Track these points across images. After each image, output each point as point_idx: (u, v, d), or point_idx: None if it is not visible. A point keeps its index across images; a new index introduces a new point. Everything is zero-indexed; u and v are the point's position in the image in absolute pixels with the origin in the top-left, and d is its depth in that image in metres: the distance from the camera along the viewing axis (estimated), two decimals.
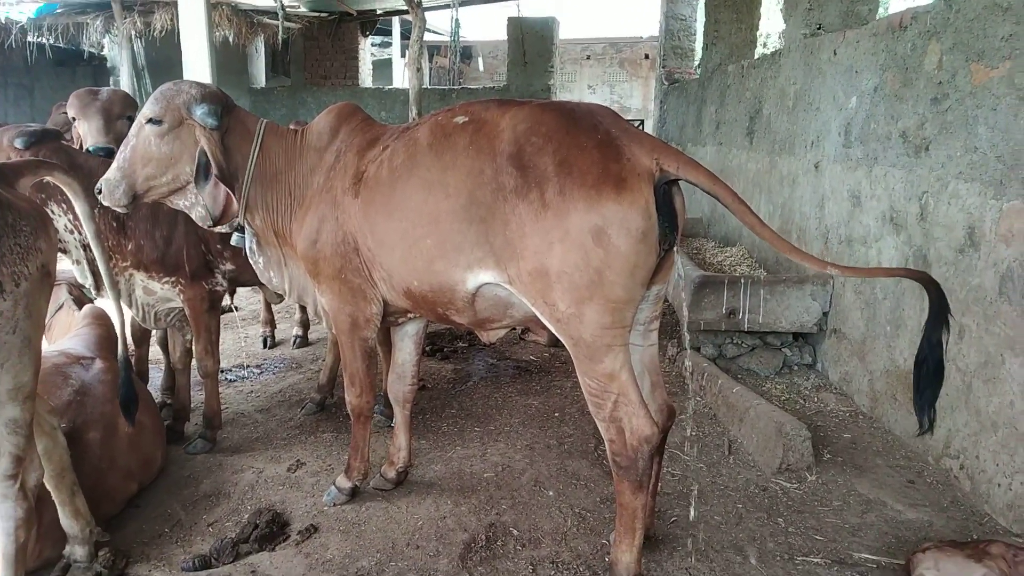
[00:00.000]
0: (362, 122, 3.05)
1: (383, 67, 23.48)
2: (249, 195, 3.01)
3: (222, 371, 4.84)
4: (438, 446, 3.87)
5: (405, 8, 12.74)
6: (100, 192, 2.93)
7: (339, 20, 16.55)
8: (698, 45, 11.42)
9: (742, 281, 4.69)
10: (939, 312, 2.19)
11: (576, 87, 25.70)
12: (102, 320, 3.79)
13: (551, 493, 3.36)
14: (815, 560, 2.85)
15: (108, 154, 3.64)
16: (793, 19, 5.85)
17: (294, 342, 5.68)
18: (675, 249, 2.41)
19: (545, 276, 2.33)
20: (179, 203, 3.06)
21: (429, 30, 19.89)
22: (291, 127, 3.25)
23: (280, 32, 13.04)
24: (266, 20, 13.65)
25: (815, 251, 4.91)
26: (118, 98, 4.04)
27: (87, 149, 3.79)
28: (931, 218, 3.65)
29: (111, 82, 13.31)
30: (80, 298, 4.21)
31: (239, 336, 5.96)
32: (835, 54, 4.84)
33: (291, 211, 3.06)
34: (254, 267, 3.28)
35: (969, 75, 3.37)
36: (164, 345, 4.32)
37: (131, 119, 3.75)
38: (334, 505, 3.26)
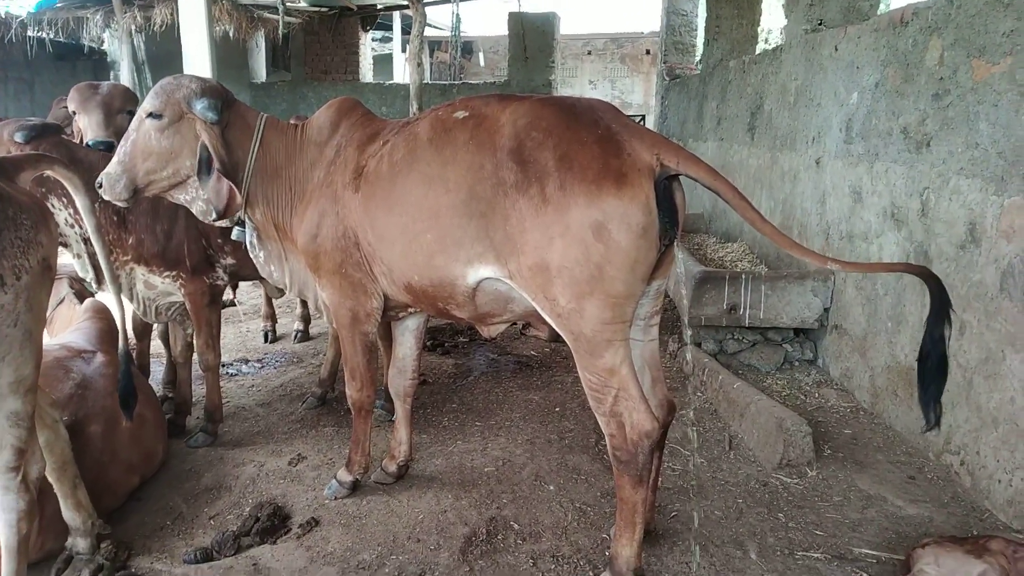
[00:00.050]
0: (362, 117, 3.05)
1: (384, 62, 23.45)
2: (249, 189, 3.02)
3: (223, 365, 4.85)
4: (439, 440, 3.87)
5: (406, 3, 12.74)
6: (101, 186, 2.93)
7: (340, 15, 16.52)
8: (699, 40, 11.40)
9: (743, 277, 4.69)
10: (941, 307, 2.18)
11: (577, 83, 25.66)
12: (103, 314, 3.79)
13: (552, 487, 3.37)
14: (815, 555, 2.86)
15: (108, 148, 3.65)
16: (794, 15, 5.84)
17: (295, 336, 5.68)
18: (675, 244, 2.41)
19: (545, 271, 2.33)
20: (180, 197, 3.06)
21: (430, 25, 19.86)
22: (291, 122, 3.25)
23: (280, 27, 13.03)
24: (266, 15, 13.63)
25: (816, 247, 4.90)
26: (118, 92, 4.04)
27: (87, 143, 3.79)
28: (932, 214, 3.65)
29: (111, 76, 13.30)
30: (81, 292, 4.21)
31: (240, 330, 5.97)
32: (836, 50, 4.84)
33: (291, 205, 3.06)
34: (255, 261, 3.28)
35: (970, 71, 3.37)
36: (166, 339, 4.33)
37: (131, 113, 3.75)
38: (335, 499, 3.26)
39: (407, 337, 3.33)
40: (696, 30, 11.83)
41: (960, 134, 3.43)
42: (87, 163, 3.30)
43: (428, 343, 5.34)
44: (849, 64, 4.63)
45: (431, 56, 25.66)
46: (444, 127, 2.63)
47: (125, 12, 11.41)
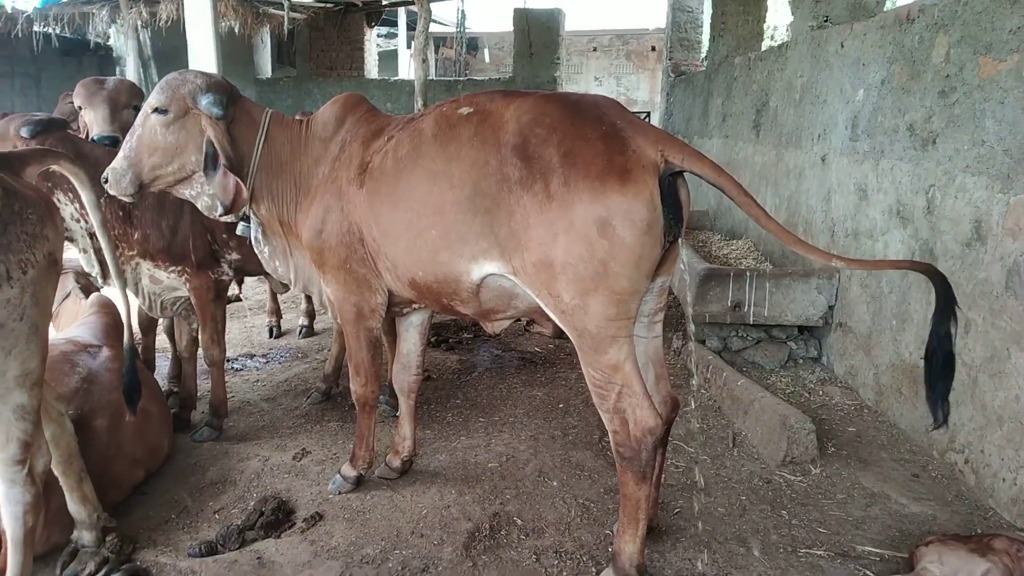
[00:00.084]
0: (367, 112, 3.05)
1: (389, 58, 23.44)
2: (254, 185, 3.02)
3: (228, 360, 4.86)
4: (443, 436, 3.88)
5: None
6: (106, 181, 2.94)
7: (345, 11, 16.52)
8: (705, 37, 11.37)
9: (748, 274, 4.68)
10: (946, 304, 2.18)
11: (582, 79, 25.63)
12: (109, 308, 3.81)
13: (555, 483, 3.37)
14: (818, 552, 2.86)
15: (113, 143, 3.66)
16: (800, 11, 5.82)
17: (300, 332, 5.70)
18: (680, 241, 2.40)
19: (550, 267, 2.33)
20: (185, 192, 3.07)
21: (435, 21, 19.88)
22: (296, 118, 3.26)
23: (286, 22, 13.03)
24: (272, 10, 13.63)
25: (821, 244, 4.89)
26: (124, 88, 4.05)
27: (92, 138, 3.80)
28: (938, 212, 3.64)
29: (117, 72, 13.33)
30: (87, 286, 4.23)
31: (245, 326, 5.98)
32: (842, 46, 4.82)
33: (296, 201, 3.06)
34: (259, 257, 3.29)
35: (977, 68, 3.35)
36: (171, 334, 4.34)
37: (137, 108, 3.77)
38: (339, 493, 3.27)
39: (411, 333, 3.34)
40: (702, 27, 11.80)
41: (966, 131, 3.42)
42: (93, 158, 3.31)
43: (432, 339, 5.35)
44: (855, 61, 4.61)
45: (436, 52, 25.64)
46: (448, 123, 2.63)
47: (131, 8, 11.43)
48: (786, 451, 3.53)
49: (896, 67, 4.08)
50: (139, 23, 11.80)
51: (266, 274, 3.72)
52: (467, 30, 23.27)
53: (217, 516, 3.14)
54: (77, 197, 3.23)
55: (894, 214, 4.05)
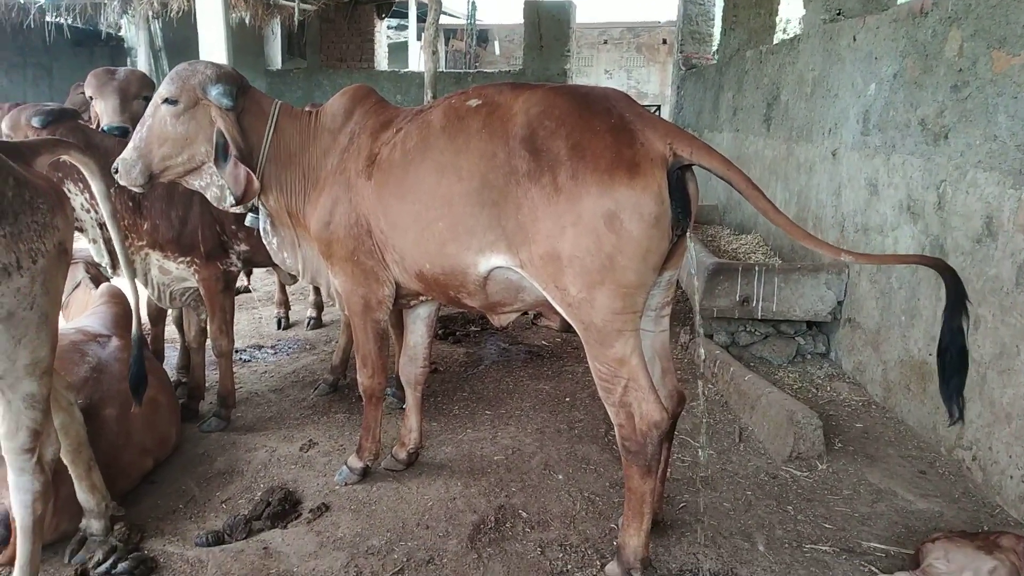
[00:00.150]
0: (376, 104, 3.05)
1: (399, 50, 23.43)
2: (263, 176, 3.02)
3: (237, 351, 4.89)
4: (449, 428, 3.89)
5: None
6: (116, 172, 2.95)
7: (355, 2, 16.51)
8: (716, 30, 11.31)
9: (756, 269, 4.67)
10: (957, 299, 2.16)
11: (593, 72, 25.54)
12: (119, 299, 3.83)
13: (560, 477, 3.38)
14: (823, 548, 2.85)
15: (123, 133, 3.67)
16: (813, 4, 5.78)
17: (308, 323, 5.71)
18: (688, 235, 2.40)
19: (557, 260, 2.33)
20: (195, 183, 3.08)
21: (445, 13, 19.84)
22: (306, 109, 3.26)
23: (296, 14, 13.02)
24: (282, 2, 13.62)
25: (831, 239, 4.87)
26: (135, 78, 4.06)
27: (102, 128, 3.81)
28: (949, 207, 3.61)
29: (128, 63, 13.38)
30: (97, 276, 4.25)
31: (254, 317, 6.00)
32: (855, 40, 4.79)
33: (305, 192, 3.07)
34: (268, 248, 3.30)
35: (990, 62, 3.32)
36: (180, 325, 4.36)
37: (147, 99, 3.76)
38: (345, 484, 3.29)
39: (418, 325, 3.34)
40: (713, 19, 11.74)
41: (978, 126, 3.39)
42: (103, 148, 3.32)
43: (440, 331, 5.36)
44: (867, 55, 4.58)
45: (446, 44, 25.60)
46: (457, 115, 2.62)
47: None
48: (793, 447, 3.52)
49: (909, 61, 4.04)
50: (150, 14, 11.81)
51: (275, 265, 3.73)
52: (477, 22, 23.26)
53: (224, 506, 3.16)
54: (87, 187, 3.25)
55: (904, 209, 4.03)
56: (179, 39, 12.12)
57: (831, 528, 3.00)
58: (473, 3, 22.08)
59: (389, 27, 20.59)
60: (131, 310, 2.93)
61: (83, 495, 2.75)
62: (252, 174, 2.90)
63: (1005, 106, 3.21)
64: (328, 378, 4.41)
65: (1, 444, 2.26)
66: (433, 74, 9.29)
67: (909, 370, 3.92)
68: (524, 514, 3.06)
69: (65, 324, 3.59)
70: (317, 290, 5.56)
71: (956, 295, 2.16)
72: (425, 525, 2.99)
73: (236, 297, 3.98)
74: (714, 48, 11.47)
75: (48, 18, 12.18)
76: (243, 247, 3.71)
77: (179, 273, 3.64)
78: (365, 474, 3.34)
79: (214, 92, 2.87)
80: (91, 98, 4.01)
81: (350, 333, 4.14)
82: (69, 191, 3.27)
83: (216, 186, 3.04)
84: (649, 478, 2.45)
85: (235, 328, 4.00)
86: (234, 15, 12.05)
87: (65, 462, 2.65)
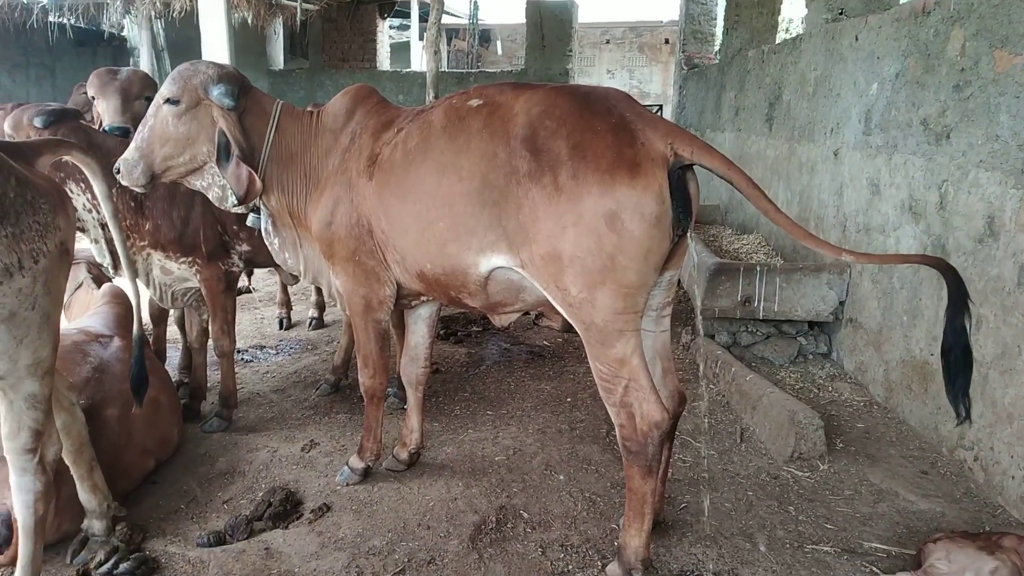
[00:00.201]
0: (377, 104, 3.05)
1: (401, 50, 23.44)
2: (265, 176, 3.03)
3: (238, 351, 4.89)
4: (450, 429, 3.89)
5: None
6: (118, 172, 2.95)
7: (357, 2, 16.52)
8: (719, 30, 11.30)
9: (758, 269, 4.66)
10: (959, 298, 2.16)
11: (595, 71, 25.54)
12: (121, 299, 3.83)
13: (562, 477, 3.38)
14: (825, 549, 2.85)
15: (124, 134, 3.68)
16: (815, 3, 5.77)
17: (310, 324, 5.72)
18: (688, 235, 2.39)
19: (558, 260, 2.33)
20: (196, 183, 3.09)
21: (447, 13, 19.85)
22: (308, 109, 3.26)
23: (299, 14, 13.03)
24: (285, 2, 13.63)
25: (833, 239, 4.86)
26: (137, 78, 4.06)
27: (104, 128, 3.82)
28: (951, 207, 3.61)
29: (131, 63, 13.37)
30: (99, 277, 4.26)
31: (256, 317, 6.01)
32: (857, 39, 4.78)
33: (306, 192, 3.07)
34: (269, 248, 3.30)
35: (992, 62, 3.32)
36: (182, 325, 4.37)
37: (149, 99, 3.77)
38: (347, 485, 3.29)
39: (420, 325, 3.34)
40: (716, 19, 11.71)
41: (980, 126, 3.39)
42: (105, 149, 3.33)
43: (441, 332, 5.36)
44: (869, 54, 4.57)
45: (448, 44, 25.61)
46: (458, 115, 2.63)
47: None
48: (794, 447, 3.52)
49: (911, 60, 4.04)
50: (153, 14, 11.82)
51: (276, 266, 3.73)
52: (479, 22, 23.25)
53: (226, 506, 3.17)
54: (89, 187, 3.25)
55: (906, 209, 4.02)
56: (182, 39, 12.14)
57: (832, 528, 2.99)
58: (475, 3, 22.08)
59: (391, 27, 20.61)
60: (133, 310, 2.93)
61: (85, 495, 2.76)
62: (254, 174, 2.90)
63: (1007, 106, 3.20)
64: (330, 378, 4.41)
65: (3, 444, 2.27)
66: (435, 74, 9.29)
67: (911, 370, 3.92)
68: (525, 514, 3.06)
69: (67, 324, 3.60)
70: (319, 290, 5.56)
71: (958, 294, 2.16)
72: (426, 525, 2.99)
73: (238, 297, 3.97)
74: (716, 48, 11.46)
75: (51, 18, 12.20)
76: (245, 247, 3.72)
77: (181, 273, 3.64)
78: (366, 474, 3.34)
79: (216, 92, 2.87)
80: (93, 98, 4.02)
81: (352, 333, 4.14)
82: (71, 191, 3.28)
83: (218, 186, 3.04)
84: (650, 478, 2.45)
85: (237, 328, 4.01)
86: (236, 15, 12.07)
87: (67, 462, 2.66)
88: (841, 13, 5.43)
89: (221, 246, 3.65)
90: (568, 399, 4.29)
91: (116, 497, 2.92)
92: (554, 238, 2.32)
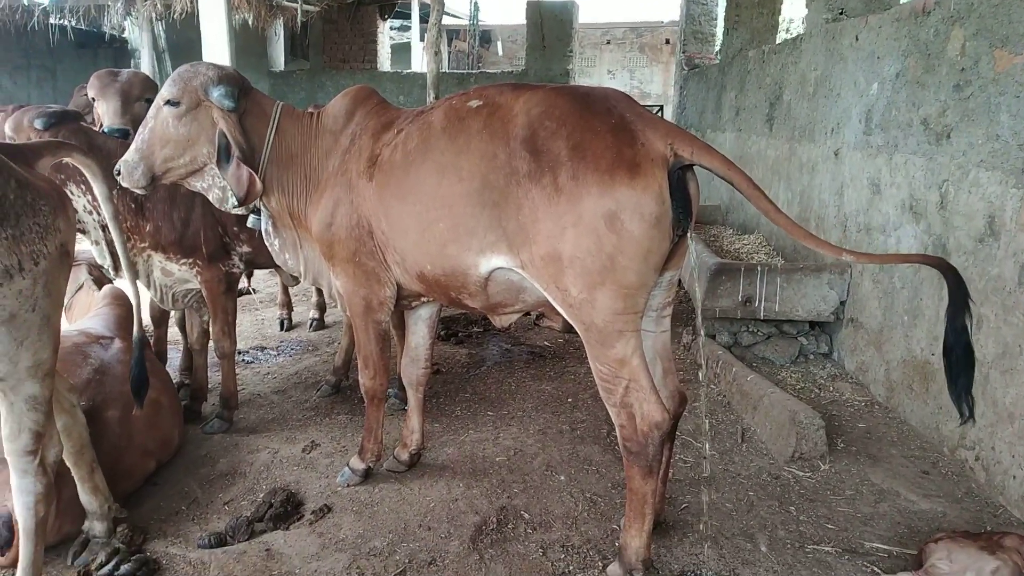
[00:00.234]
0: (377, 105, 3.05)
1: (402, 51, 23.45)
2: (265, 177, 3.03)
3: (239, 352, 4.89)
4: (451, 429, 3.89)
5: None
6: (119, 174, 2.95)
7: (358, 3, 16.52)
8: (719, 30, 11.29)
9: (759, 269, 4.66)
10: (959, 298, 2.16)
11: (596, 72, 25.53)
12: (121, 300, 3.84)
13: (562, 478, 3.38)
14: (826, 549, 2.85)
15: (123, 135, 3.68)
16: (815, 3, 5.77)
17: (311, 325, 5.72)
18: (688, 235, 2.39)
19: (558, 261, 2.33)
20: (197, 185, 3.09)
21: (448, 14, 19.86)
22: (309, 110, 3.26)
23: (299, 15, 13.03)
24: (285, 3, 13.63)
25: (834, 239, 4.86)
26: (137, 80, 4.07)
27: (103, 130, 3.82)
28: (951, 207, 3.61)
29: (132, 64, 13.39)
30: (100, 278, 4.26)
31: (256, 318, 6.01)
32: (857, 39, 4.78)
33: (307, 194, 3.07)
34: (270, 249, 3.31)
35: (992, 61, 3.32)
36: (183, 326, 4.37)
37: (149, 101, 3.77)
38: (347, 486, 3.29)
39: (420, 326, 3.34)
40: (716, 19, 11.71)
41: (980, 126, 3.39)
42: (106, 150, 3.33)
43: (442, 332, 5.36)
44: (870, 54, 4.57)
45: (449, 45, 25.62)
46: (458, 116, 2.63)
47: (145, 0, 11.47)
48: (795, 447, 3.51)
49: (911, 60, 4.04)
50: (154, 15, 11.83)
51: (277, 267, 3.74)
52: (480, 23, 23.27)
53: (227, 507, 3.17)
54: (89, 189, 3.26)
55: (907, 209, 4.02)
56: (182, 40, 12.14)
57: (834, 529, 2.99)
58: (476, 4, 22.10)
59: (392, 28, 20.62)
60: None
61: (86, 497, 2.76)
62: (254, 175, 2.90)
63: (1007, 105, 3.20)
64: (330, 379, 4.41)
65: (4, 446, 2.27)
66: (436, 75, 9.29)
67: (912, 370, 3.91)
68: (526, 515, 3.06)
69: (68, 326, 3.60)
70: (320, 291, 5.56)
71: (958, 294, 2.16)
72: (427, 526, 2.99)
73: (238, 299, 3.98)
74: (717, 48, 11.45)
75: (52, 20, 12.22)
76: (245, 249, 3.72)
77: (181, 275, 3.64)
78: (367, 475, 3.34)
79: (216, 94, 2.88)
80: (94, 100, 4.03)
81: (352, 334, 4.14)
82: (71, 193, 3.28)
83: (218, 188, 3.04)
84: (651, 479, 2.45)
85: (238, 329, 4.01)
86: (237, 16, 12.08)
87: (68, 464, 2.66)
88: (841, 13, 5.42)
89: (222, 247, 3.66)
90: (569, 400, 4.29)
91: (117, 499, 2.92)
92: (554, 239, 2.32)
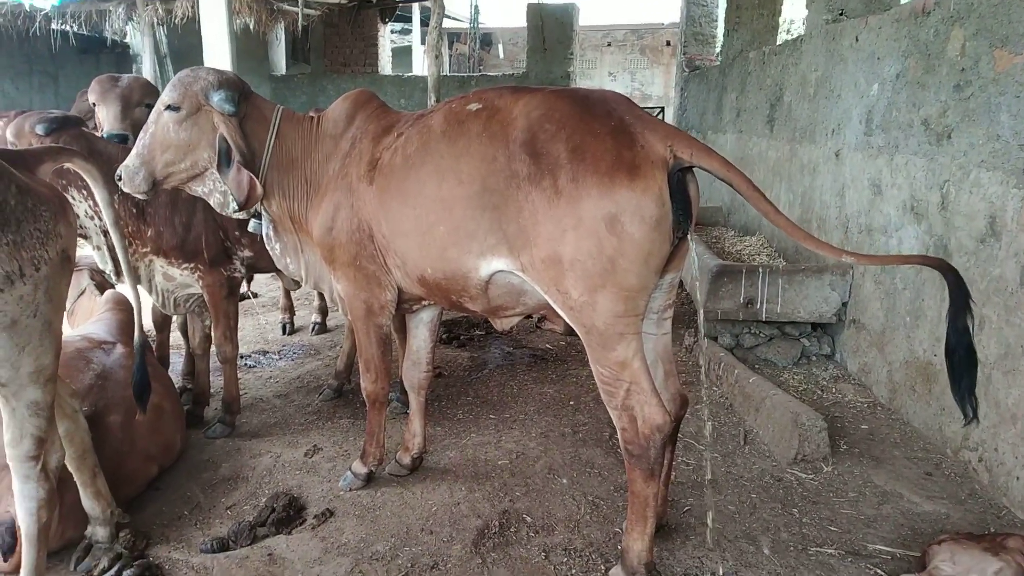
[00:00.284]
0: (377, 109, 3.06)
1: (403, 54, 23.48)
2: (266, 182, 3.03)
3: (241, 357, 4.89)
4: (453, 433, 3.89)
5: None
6: (120, 179, 2.96)
7: (359, 7, 16.54)
8: (719, 31, 11.30)
9: (760, 270, 4.66)
10: (960, 298, 2.15)
11: (597, 74, 25.53)
12: (123, 305, 3.84)
13: (565, 481, 3.37)
14: (829, 551, 2.84)
15: (123, 140, 3.69)
16: (815, 4, 5.77)
17: (312, 329, 5.72)
18: (689, 237, 2.39)
19: (558, 264, 2.33)
20: (198, 189, 3.09)
21: (449, 17, 19.87)
22: (310, 114, 3.27)
23: (300, 19, 13.06)
24: (286, 7, 13.67)
25: (835, 240, 4.86)
26: (138, 85, 4.08)
27: (103, 135, 3.83)
28: (952, 207, 3.60)
29: (133, 69, 13.41)
30: (102, 284, 4.27)
31: (258, 322, 6.01)
32: (857, 40, 4.78)
33: (307, 198, 3.08)
34: (271, 253, 3.31)
35: (992, 61, 3.31)
36: (185, 331, 4.37)
37: (150, 106, 3.79)
38: (350, 490, 3.29)
39: (421, 330, 3.34)
40: (716, 21, 11.72)
41: (981, 126, 3.38)
42: (107, 156, 3.33)
43: (443, 336, 5.36)
44: (870, 55, 4.57)
45: (450, 48, 25.64)
46: (457, 119, 2.63)
47: (147, 5, 11.50)
48: (798, 449, 3.51)
49: (911, 61, 4.03)
50: (155, 20, 11.86)
51: (278, 271, 3.74)
52: (481, 26, 23.29)
53: (229, 512, 3.17)
54: (91, 194, 3.26)
55: (908, 210, 4.01)
56: (184, 45, 12.17)
57: (836, 531, 2.99)
58: (476, 6, 22.11)
59: (393, 31, 20.64)
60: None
61: (88, 502, 2.76)
62: (255, 179, 2.90)
63: (1008, 105, 3.20)
64: (332, 383, 4.41)
65: (6, 452, 2.27)
66: (437, 78, 9.30)
67: (914, 371, 3.91)
68: (528, 519, 3.06)
69: (70, 331, 3.61)
70: (321, 295, 5.56)
71: (959, 295, 2.15)
72: (429, 530, 2.99)
73: (240, 303, 3.98)
74: (717, 49, 11.46)
75: (54, 25, 12.24)
76: (247, 253, 3.72)
77: (183, 279, 3.64)
78: (369, 479, 3.34)
79: (216, 98, 2.88)
80: (95, 105, 4.04)
81: (354, 338, 4.14)
82: (72, 198, 3.28)
83: (219, 192, 3.05)
84: (652, 481, 2.44)
85: (239, 334, 4.01)
86: (238, 21, 12.11)
87: (70, 469, 2.66)
88: (841, 14, 5.42)
89: (223, 252, 3.66)
90: (571, 402, 4.29)
91: (119, 503, 2.92)
92: (554, 241, 2.32)
